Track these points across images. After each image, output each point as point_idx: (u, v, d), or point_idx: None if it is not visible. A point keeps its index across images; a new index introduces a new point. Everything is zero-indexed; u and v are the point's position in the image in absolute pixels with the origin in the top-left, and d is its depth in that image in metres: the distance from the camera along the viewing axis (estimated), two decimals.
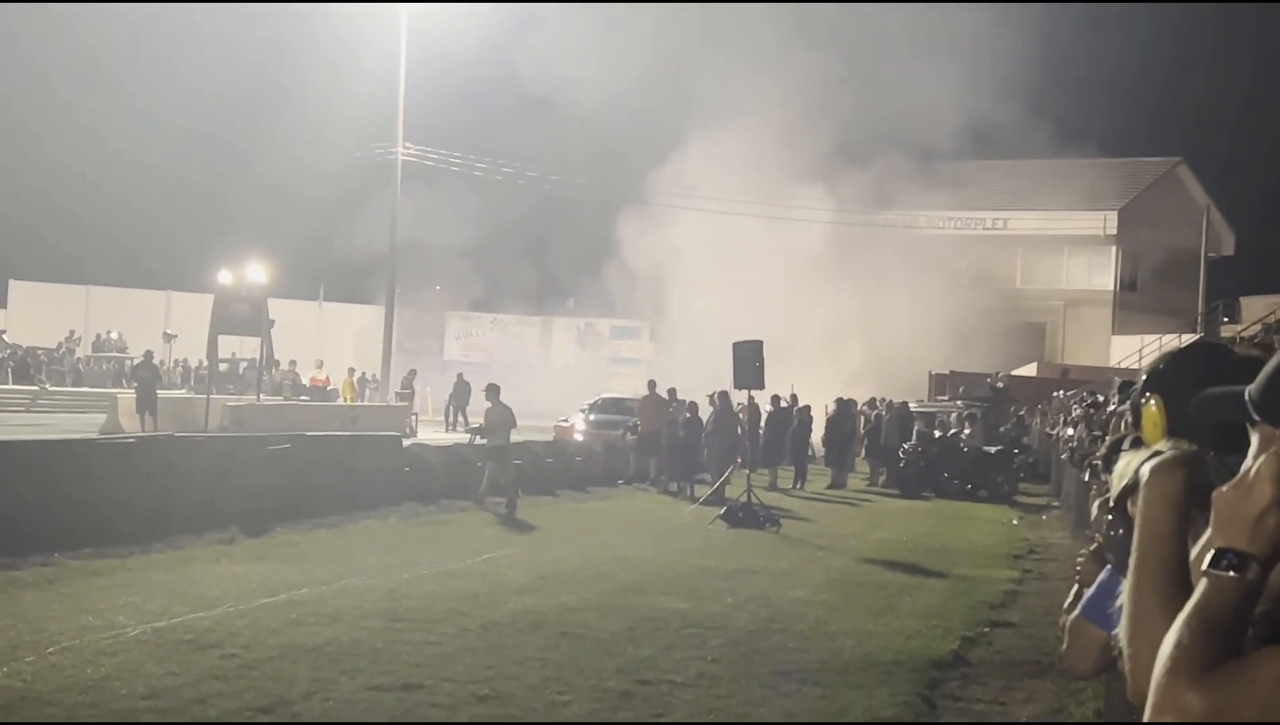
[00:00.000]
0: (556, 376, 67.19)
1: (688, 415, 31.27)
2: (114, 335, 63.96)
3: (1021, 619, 14.66)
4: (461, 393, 51.59)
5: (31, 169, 79.21)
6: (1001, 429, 37.12)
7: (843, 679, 11.04)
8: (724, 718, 9.58)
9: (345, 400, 48.24)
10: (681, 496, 28.68)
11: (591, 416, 39.81)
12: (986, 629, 13.85)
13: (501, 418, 25.11)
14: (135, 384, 39.84)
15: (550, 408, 46.47)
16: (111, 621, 11.66)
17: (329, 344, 59.79)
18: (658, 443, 30.96)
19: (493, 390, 25.67)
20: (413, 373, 52.08)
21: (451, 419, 50.66)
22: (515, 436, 25.93)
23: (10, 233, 78.74)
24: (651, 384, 33.74)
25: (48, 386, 52.06)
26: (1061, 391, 40.70)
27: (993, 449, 33.93)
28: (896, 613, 14.64)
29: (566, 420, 40.83)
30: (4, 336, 58.80)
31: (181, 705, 9.00)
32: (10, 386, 50.71)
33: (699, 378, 36.95)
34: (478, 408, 47.77)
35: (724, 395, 32.16)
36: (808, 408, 38.16)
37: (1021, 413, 41.54)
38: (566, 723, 9.28)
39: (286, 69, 70.16)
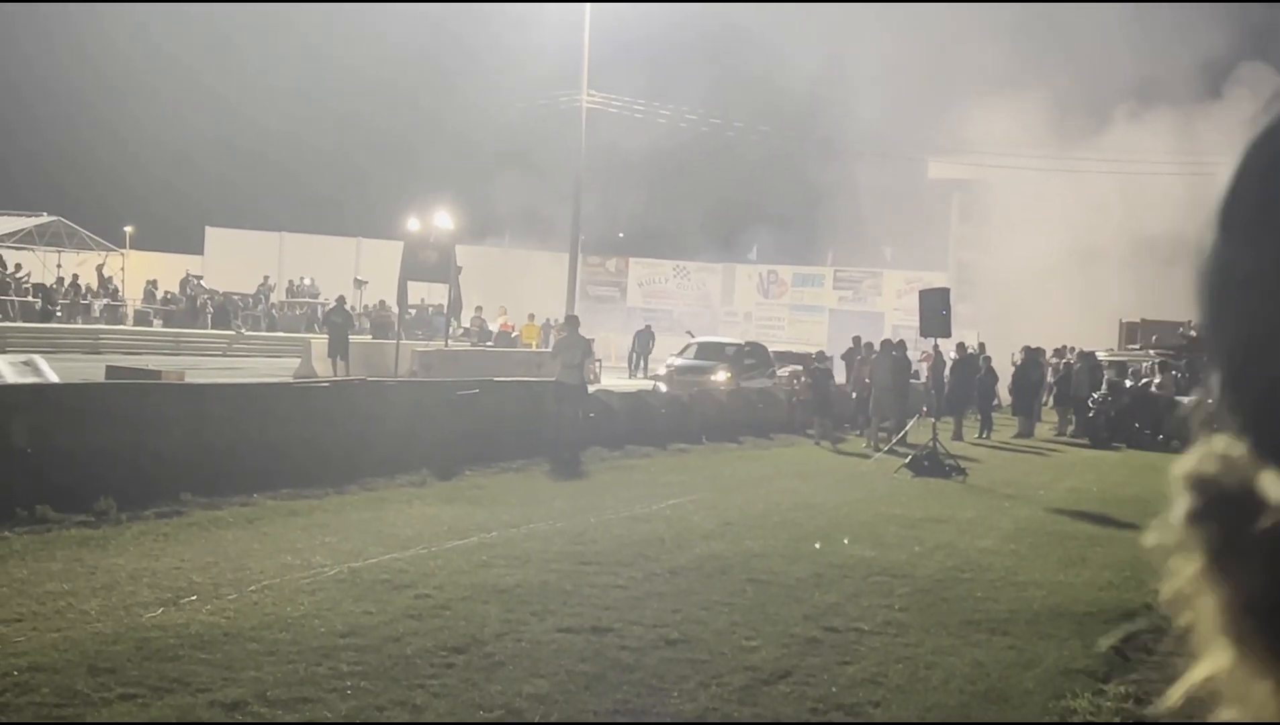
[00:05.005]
0: (739, 324, 67.21)
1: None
2: (306, 281, 65.45)
3: None
4: (644, 341, 52.02)
5: (225, 120, 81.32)
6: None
7: (1033, 629, 10.91)
8: (912, 666, 9.52)
9: (531, 346, 48.69)
10: (870, 446, 28.41)
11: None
12: None
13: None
14: (328, 329, 40.70)
15: None
16: (309, 561, 11.97)
17: (513, 290, 60.33)
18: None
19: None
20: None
21: (634, 365, 51.10)
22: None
23: (206, 181, 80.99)
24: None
25: (243, 331, 53.58)
26: None
27: (1187, 398, 33.06)
28: (1088, 564, 14.39)
29: None
30: (202, 282, 60.57)
31: (378, 643, 9.20)
32: (209, 331, 52.32)
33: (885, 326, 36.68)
34: (660, 355, 48.15)
35: (887, 343, 32.12)
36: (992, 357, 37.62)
37: None
38: (755, 667, 9.29)
39: (473, 17, 70.69)
